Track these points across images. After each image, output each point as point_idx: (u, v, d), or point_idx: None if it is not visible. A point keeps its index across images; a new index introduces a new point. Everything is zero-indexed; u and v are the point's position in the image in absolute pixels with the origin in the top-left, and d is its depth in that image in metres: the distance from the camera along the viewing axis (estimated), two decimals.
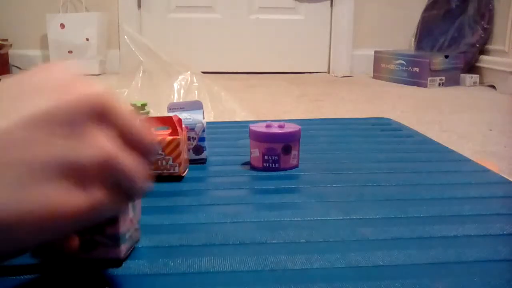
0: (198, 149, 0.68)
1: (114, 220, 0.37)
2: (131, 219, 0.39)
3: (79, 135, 0.27)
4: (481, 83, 2.45)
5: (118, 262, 0.39)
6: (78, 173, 0.27)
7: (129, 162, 0.29)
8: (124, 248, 0.39)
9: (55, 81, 0.28)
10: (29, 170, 0.25)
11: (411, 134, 0.86)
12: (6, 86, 0.27)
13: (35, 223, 0.25)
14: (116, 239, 0.38)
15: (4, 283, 0.37)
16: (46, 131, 0.26)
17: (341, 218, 0.49)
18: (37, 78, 0.28)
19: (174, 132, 0.61)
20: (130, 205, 0.38)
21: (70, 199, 0.26)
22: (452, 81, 2.42)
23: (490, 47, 2.47)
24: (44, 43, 2.61)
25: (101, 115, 0.28)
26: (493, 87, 2.35)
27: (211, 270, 0.39)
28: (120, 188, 0.29)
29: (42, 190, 0.26)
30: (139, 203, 0.41)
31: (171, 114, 0.66)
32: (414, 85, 2.40)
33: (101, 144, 0.28)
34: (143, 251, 0.42)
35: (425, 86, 2.37)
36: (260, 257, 0.41)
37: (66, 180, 0.26)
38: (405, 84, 2.44)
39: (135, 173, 0.29)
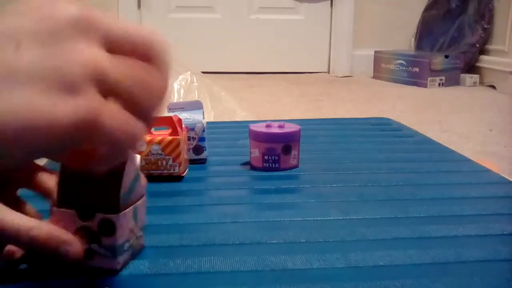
0: (198, 149, 0.68)
1: (111, 231, 0.36)
2: (132, 228, 0.38)
3: (64, 45, 0.26)
4: (481, 83, 2.45)
5: (115, 271, 0.38)
6: (65, 81, 0.26)
7: (123, 68, 0.28)
8: (121, 259, 0.38)
9: (39, 3, 0.27)
10: (11, 76, 0.25)
11: (411, 134, 0.86)
12: None
13: (22, 130, 0.24)
14: (112, 250, 0.37)
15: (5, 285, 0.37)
16: (19, 40, 0.25)
17: (341, 218, 0.49)
18: (25, 5, 0.27)
19: (174, 132, 0.61)
20: (131, 214, 0.38)
21: (58, 106, 0.25)
22: (452, 81, 2.42)
23: (490, 47, 2.47)
24: None
25: (87, 31, 0.27)
26: (493, 87, 2.35)
27: (211, 270, 0.39)
28: (118, 96, 0.27)
29: (26, 96, 0.25)
30: (142, 210, 0.40)
31: (171, 114, 0.66)
32: (414, 85, 2.40)
33: (89, 53, 0.27)
34: (143, 251, 0.42)
35: (425, 86, 2.37)
36: (260, 257, 0.41)
37: (52, 86, 0.25)
38: (405, 84, 2.44)
39: (133, 81, 0.28)
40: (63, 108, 0.25)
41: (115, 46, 0.28)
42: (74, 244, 0.35)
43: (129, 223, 0.38)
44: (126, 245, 0.38)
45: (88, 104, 0.26)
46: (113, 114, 0.27)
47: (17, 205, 0.39)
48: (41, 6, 0.27)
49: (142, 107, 0.29)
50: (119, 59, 0.28)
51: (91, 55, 0.26)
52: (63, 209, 0.36)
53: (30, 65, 0.25)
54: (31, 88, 0.25)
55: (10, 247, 0.38)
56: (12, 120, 0.24)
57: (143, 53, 0.29)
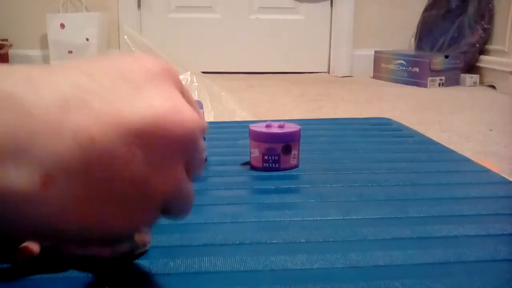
0: None
1: None
2: None
3: (165, 164, 0.25)
4: (481, 83, 2.45)
5: (114, 263, 0.38)
6: (144, 200, 0.25)
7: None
8: (118, 249, 0.38)
9: (158, 85, 0.25)
10: (105, 188, 0.24)
11: (411, 134, 0.86)
12: (106, 69, 0.24)
13: (81, 230, 0.25)
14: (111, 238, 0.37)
15: (4, 284, 0.37)
16: (134, 152, 0.23)
17: (341, 218, 0.49)
18: (137, 71, 0.25)
19: None
20: None
21: (124, 221, 0.26)
22: (452, 81, 2.42)
23: (490, 47, 2.47)
24: (44, 43, 2.61)
25: (189, 147, 0.26)
26: (493, 87, 2.35)
27: (211, 270, 0.39)
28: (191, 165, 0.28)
29: (105, 212, 0.24)
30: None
31: None
32: (414, 85, 2.40)
33: (178, 178, 0.27)
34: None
35: (425, 86, 2.37)
36: (260, 257, 0.41)
37: (134, 204, 0.25)
38: (405, 84, 2.44)
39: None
40: (127, 224, 0.26)
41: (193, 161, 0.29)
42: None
43: None
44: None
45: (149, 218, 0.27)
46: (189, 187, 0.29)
47: None
48: (172, 98, 0.25)
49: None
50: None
51: (178, 182, 0.27)
52: None
53: (130, 184, 0.24)
54: (116, 207, 0.25)
55: (28, 244, 0.37)
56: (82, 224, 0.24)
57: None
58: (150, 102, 0.23)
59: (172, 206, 0.28)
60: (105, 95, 0.23)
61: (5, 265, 0.38)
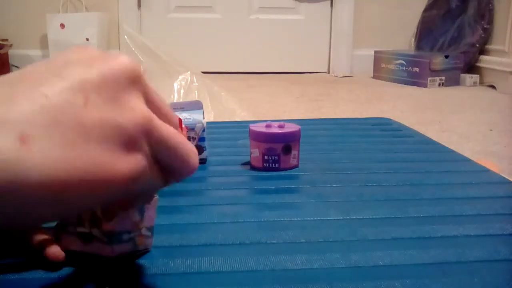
0: (198, 149, 0.68)
1: (111, 216, 0.37)
2: (136, 222, 0.38)
3: (118, 98, 0.27)
4: (481, 83, 2.45)
5: (112, 262, 0.38)
6: (123, 137, 0.27)
7: (169, 130, 0.30)
8: (117, 248, 0.38)
9: (87, 54, 0.28)
10: (80, 131, 0.25)
11: (411, 134, 0.86)
12: (38, 63, 0.28)
13: (81, 184, 0.25)
14: (110, 237, 0.37)
15: (5, 282, 0.37)
16: (87, 94, 0.26)
17: (341, 218, 0.49)
18: (68, 54, 0.28)
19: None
20: (136, 207, 0.38)
21: (118, 161, 0.26)
22: (452, 81, 2.42)
23: (490, 47, 2.48)
24: (44, 43, 2.61)
25: (135, 82, 0.29)
26: (493, 87, 2.35)
27: (211, 270, 0.39)
28: (161, 159, 0.29)
29: (92, 151, 0.25)
30: (150, 209, 0.40)
31: None
32: (414, 85, 2.41)
33: (141, 108, 0.28)
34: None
35: (425, 86, 2.37)
36: (260, 257, 0.41)
37: (113, 143, 0.26)
38: (405, 84, 2.44)
39: (176, 142, 0.30)
40: (122, 165, 0.26)
41: (155, 109, 0.30)
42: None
43: (132, 215, 0.38)
44: (126, 236, 0.38)
45: (142, 159, 0.28)
46: (156, 171, 0.29)
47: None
48: (100, 57, 0.28)
49: (172, 170, 0.31)
50: (165, 123, 0.30)
51: (142, 111, 0.28)
52: None
53: (96, 122, 0.26)
54: (97, 145, 0.26)
55: (53, 249, 0.38)
56: (75, 174, 0.25)
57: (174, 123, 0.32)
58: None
59: (165, 154, 0.29)
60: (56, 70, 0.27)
61: (5, 261, 0.38)
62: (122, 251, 0.39)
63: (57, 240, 0.39)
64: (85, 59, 0.28)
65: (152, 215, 0.40)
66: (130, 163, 0.27)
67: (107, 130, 0.26)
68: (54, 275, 0.38)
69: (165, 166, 0.30)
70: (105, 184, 0.26)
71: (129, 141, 0.27)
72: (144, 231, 0.40)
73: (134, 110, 0.27)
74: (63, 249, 0.38)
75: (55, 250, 0.38)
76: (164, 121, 0.30)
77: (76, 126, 0.25)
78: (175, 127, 0.31)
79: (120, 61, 0.28)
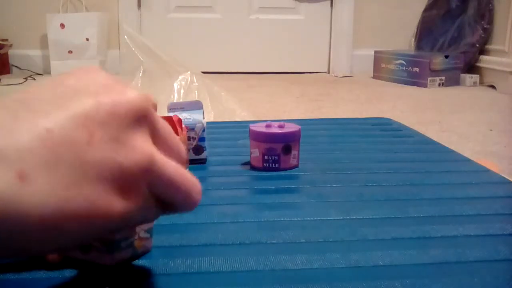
0: (198, 149, 0.68)
1: None
2: (133, 228, 0.38)
3: (122, 137, 0.26)
4: (481, 83, 2.45)
5: (111, 267, 0.38)
6: (123, 178, 0.26)
7: (172, 168, 0.29)
8: (116, 256, 0.38)
9: (94, 82, 0.27)
10: (78, 170, 0.25)
11: (411, 134, 0.86)
12: (44, 87, 0.27)
13: (78, 223, 0.25)
14: (108, 245, 0.37)
15: (4, 282, 0.37)
16: (91, 131, 0.25)
17: (341, 218, 0.49)
18: (75, 79, 0.27)
19: (174, 132, 0.60)
20: None
21: (115, 201, 0.26)
22: (452, 81, 2.42)
23: (490, 47, 2.47)
24: (44, 43, 2.61)
25: (141, 120, 0.28)
26: (493, 87, 2.35)
27: (211, 270, 0.39)
28: (161, 195, 0.29)
29: (90, 191, 0.25)
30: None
31: (171, 114, 0.66)
32: (414, 85, 2.40)
33: (144, 148, 0.27)
34: None
35: (425, 86, 2.37)
36: (260, 257, 0.41)
37: (112, 183, 0.26)
38: (405, 84, 2.44)
39: (178, 180, 0.29)
40: (118, 204, 0.26)
41: (162, 147, 0.29)
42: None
43: None
44: (124, 243, 0.38)
45: (139, 199, 0.27)
46: (154, 205, 0.29)
47: None
48: (109, 87, 0.27)
49: (173, 204, 0.30)
50: (165, 158, 0.29)
51: (145, 151, 0.27)
52: None
53: (97, 161, 0.25)
54: (96, 185, 0.25)
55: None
56: (72, 212, 0.24)
57: (178, 162, 0.30)
58: (95, 95, 0.27)
59: (166, 191, 0.29)
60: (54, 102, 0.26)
61: (5, 261, 0.38)
62: (122, 257, 0.39)
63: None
64: (93, 88, 0.27)
65: None
66: (127, 202, 0.27)
67: (107, 170, 0.26)
68: (55, 275, 0.38)
69: (166, 201, 0.30)
70: (100, 222, 0.26)
71: (128, 181, 0.26)
72: (142, 234, 0.40)
73: (137, 149, 0.27)
74: (63, 255, 0.38)
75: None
76: (170, 155, 0.29)
77: (78, 165, 0.25)
78: (181, 159, 0.31)
79: (129, 97, 0.27)
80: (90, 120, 0.25)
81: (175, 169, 0.29)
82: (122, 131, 0.26)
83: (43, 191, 0.23)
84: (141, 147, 0.27)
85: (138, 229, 0.39)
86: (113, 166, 0.26)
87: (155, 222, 0.47)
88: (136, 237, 0.39)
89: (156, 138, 0.29)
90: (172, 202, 0.30)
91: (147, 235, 0.41)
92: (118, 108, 0.27)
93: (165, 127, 0.30)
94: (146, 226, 0.40)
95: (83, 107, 0.26)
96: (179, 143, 0.31)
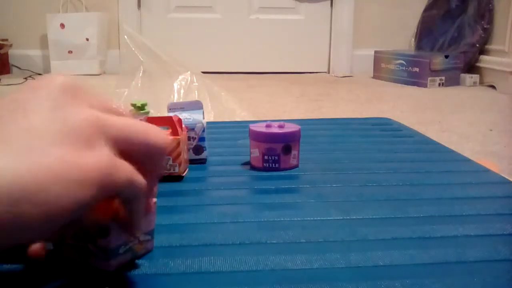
0: (198, 149, 0.68)
1: (106, 232, 0.36)
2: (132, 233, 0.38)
3: (67, 109, 0.29)
4: (481, 83, 2.45)
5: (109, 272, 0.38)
6: (82, 137, 0.28)
7: (121, 120, 0.31)
8: (114, 262, 0.37)
9: (27, 92, 0.30)
10: (42, 137, 0.27)
11: (411, 134, 0.86)
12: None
13: (55, 180, 0.26)
14: (106, 252, 0.37)
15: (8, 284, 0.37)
16: (34, 107, 0.28)
17: (341, 218, 0.49)
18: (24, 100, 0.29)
19: (174, 132, 0.61)
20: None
21: (84, 157, 0.28)
22: (452, 81, 2.42)
23: (490, 47, 2.47)
24: (44, 43, 2.61)
25: (76, 96, 0.30)
26: (493, 87, 2.35)
27: (211, 270, 0.39)
28: (126, 148, 0.31)
29: (55, 153, 0.27)
30: (146, 214, 0.39)
31: (171, 114, 0.66)
32: (414, 85, 2.40)
33: (87, 111, 0.30)
34: None
35: (425, 86, 2.37)
36: (260, 257, 0.41)
37: (74, 143, 0.28)
38: (405, 84, 2.44)
39: (132, 129, 0.31)
40: (88, 159, 0.28)
41: (98, 107, 0.31)
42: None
43: None
44: (122, 248, 0.38)
45: (106, 154, 0.29)
46: (123, 164, 0.30)
47: None
48: (38, 82, 0.30)
49: (143, 161, 0.32)
50: (114, 115, 0.31)
51: (88, 112, 0.30)
52: None
53: (42, 124, 0.28)
54: (59, 147, 0.27)
55: (34, 246, 0.38)
56: (46, 174, 0.26)
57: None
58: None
59: (126, 143, 0.31)
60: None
61: (11, 265, 0.38)
62: (121, 263, 0.38)
63: (58, 252, 0.38)
64: (29, 84, 0.30)
65: (151, 219, 0.40)
66: (95, 156, 0.28)
67: (58, 131, 0.28)
68: (54, 275, 0.38)
69: (135, 158, 0.31)
70: (78, 180, 0.27)
71: (88, 139, 0.28)
72: (142, 237, 0.40)
73: (81, 113, 0.29)
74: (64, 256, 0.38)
75: (36, 247, 0.38)
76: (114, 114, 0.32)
77: (25, 133, 0.27)
78: (126, 116, 0.33)
79: (56, 80, 0.30)
80: (23, 102, 0.29)
81: (123, 120, 0.31)
82: (57, 103, 0.29)
83: (16, 159, 0.25)
84: (84, 111, 0.29)
85: (137, 234, 0.39)
86: (68, 128, 0.28)
87: (155, 223, 0.47)
88: (136, 241, 0.39)
89: (94, 107, 0.31)
90: (141, 156, 0.32)
91: (148, 237, 0.41)
92: (52, 86, 0.30)
93: (98, 97, 0.32)
94: (146, 229, 0.40)
95: (19, 95, 0.29)
96: (115, 105, 0.33)
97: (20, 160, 0.25)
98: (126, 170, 0.30)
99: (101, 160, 0.28)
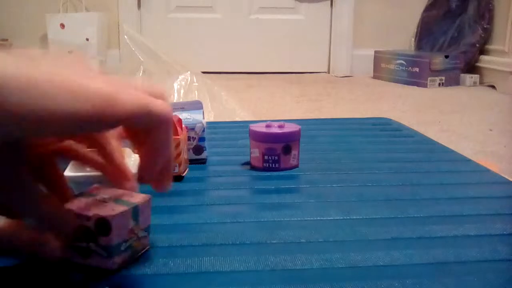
0: (198, 149, 0.68)
1: (107, 231, 0.36)
2: (132, 229, 0.38)
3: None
4: (481, 83, 2.45)
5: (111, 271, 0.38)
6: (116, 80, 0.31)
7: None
8: (117, 259, 0.37)
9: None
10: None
11: (411, 134, 0.86)
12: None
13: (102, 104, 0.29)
14: (108, 250, 0.37)
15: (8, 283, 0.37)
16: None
17: (341, 218, 0.49)
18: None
19: (174, 132, 0.61)
20: (129, 214, 0.38)
21: (122, 91, 0.30)
22: (452, 81, 2.42)
23: (490, 47, 2.47)
24: (44, 43, 2.61)
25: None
26: (493, 87, 2.35)
27: (211, 270, 0.39)
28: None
29: (93, 82, 0.29)
30: (145, 210, 0.39)
31: None
32: (414, 85, 2.41)
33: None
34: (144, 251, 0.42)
35: (425, 86, 2.37)
36: (260, 257, 0.41)
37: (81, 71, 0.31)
38: (405, 84, 2.44)
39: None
40: (94, 85, 0.29)
41: None
42: (49, 244, 0.37)
43: (127, 224, 0.38)
44: (124, 245, 0.38)
45: (114, 85, 0.31)
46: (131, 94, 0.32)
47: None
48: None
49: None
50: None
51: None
52: (69, 207, 0.37)
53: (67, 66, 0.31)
54: (70, 73, 0.29)
55: (52, 243, 0.37)
56: (46, 79, 0.28)
57: None
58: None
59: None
60: None
61: (9, 263, 0.38)
62: (123, 260, 0.38)
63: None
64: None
65: (147, 215, 0.40)
66: (102, 82, 0.30)
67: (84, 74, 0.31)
68: (54, 275, 0.38)
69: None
70: (76, 92, 0.28)
71: (107, 79, 0.31)
72: (140, 234, 0.40)
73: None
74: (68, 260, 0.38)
75: (53, 246, 0.37)
76: None
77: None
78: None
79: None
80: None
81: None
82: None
83: (23, 65, 0.27)
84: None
85: (136, 230, 0.39)
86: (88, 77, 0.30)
87: (155, 221, 0.47)
88: (135, 238, 0.39)
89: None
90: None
91: (145, 233, 0.41)
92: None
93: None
94: (143, 225, 0.40)
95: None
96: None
97: (27, 67, 0.27)
98: (135, 99, 0.31)
99: (106, 86, 0.30)
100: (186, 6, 2.75)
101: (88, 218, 0.36)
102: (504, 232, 0.46)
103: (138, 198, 0.39)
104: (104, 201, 0.38)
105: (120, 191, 0.40)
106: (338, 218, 0.49)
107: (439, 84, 2.40)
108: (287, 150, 0.65)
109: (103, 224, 0.36)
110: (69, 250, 0.38)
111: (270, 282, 0.37)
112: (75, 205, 0.38)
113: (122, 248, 0.38)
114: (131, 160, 0.52)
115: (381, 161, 0.69)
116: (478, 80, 2.44)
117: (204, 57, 2.71)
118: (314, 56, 2.86)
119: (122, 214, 0.37)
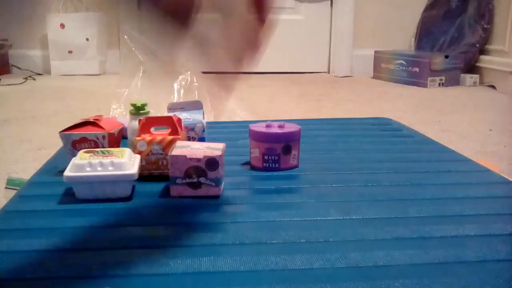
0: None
1: (215, 166, 0.53)
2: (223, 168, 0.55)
3: None
4: (481, 83, 2.45)
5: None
6: None
7: None
8: (221, 187, 0.55)
9: None
10: None
11: (411, 134, 0.86)
12: None
13: None
14: (217, 181, 0.54)
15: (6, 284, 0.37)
16: None
17: (341, 218, 0.50)
18: None
19: (174, 132, 0.61)
20: (224, 156, 0.54)
21: None
22: (452, 81, 2.42)
23: (490, 47, 2.47)
24: (44, 43, 2.61)
25: None
26: (493, 87, 2.35)
27: (211, 270, 0.39)
28: None
29: None
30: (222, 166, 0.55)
31: (171, 114, 0.66)
32: (414, 85, 2.41)
33: None
34: (143, 251, 0.42)
35: (425, 86, 2.37)
36: (260, 257, 0.41)
37: None
38: (405, 84, 2.44)
39: None
40: None
41: None
42: None
43: (223, 162, 0.50)
44: (223, 177, 0.55)
45: None
46: None
47: None
48: None
49: None
50: None
51: None
52: (178, 154, 0.53)
53: None
54: None
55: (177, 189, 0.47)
56: None
57: None
58: None
59: None
60: None
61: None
62: (222, 188, 0.56)
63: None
64: None
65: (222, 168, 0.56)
66: None
67: None
68: (55, 275, 0.38)
69: None
70: None
71: None
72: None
73: None
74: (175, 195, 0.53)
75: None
76: None
77: None
78: None
79: None
80: None
81: None
82: None
83: None
84: None
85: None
86: None
87: (155, 221, 0.47)
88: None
89: None
90: None
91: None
92: None
93: None
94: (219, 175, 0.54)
95: None
96: None
97: None
98: None
99: None
100: None
101: (198, 159, 0.53)
102: (504, 232, 0.46)
103: (218, 147, 0.56)
104: (199, 149, 0.54)
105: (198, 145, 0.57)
106: (338, 218, 0.49)
107: (439, 84, 2.40)
108: (287, 150, 0.65)
109: (212, 162, 0.53)
110: (180, 187, 0.53)
111: (270, 282, 0.37)
112: (180, 152, 0.53)
113: (223, 178, 0.53)
114: (131, 160, 0.52)
115: (381, 161, 0.69)
116: (478, 80, 2.44)
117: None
118: (314, 56, 2.86)
119: (222, 154, 0.54)
